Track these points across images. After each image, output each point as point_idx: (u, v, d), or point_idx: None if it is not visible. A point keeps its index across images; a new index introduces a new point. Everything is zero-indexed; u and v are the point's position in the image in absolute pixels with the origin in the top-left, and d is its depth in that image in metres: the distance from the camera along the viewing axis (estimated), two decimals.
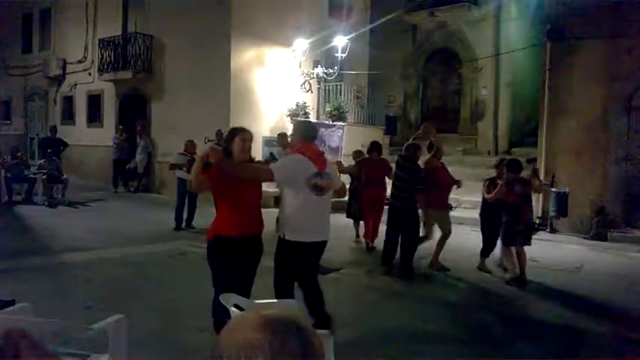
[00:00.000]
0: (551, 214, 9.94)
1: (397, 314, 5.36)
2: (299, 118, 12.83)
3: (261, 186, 4.06)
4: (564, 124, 10.24)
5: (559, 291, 6.28)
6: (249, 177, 3.87)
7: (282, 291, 4.00)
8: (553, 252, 8.31)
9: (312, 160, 3.88)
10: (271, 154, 9.52)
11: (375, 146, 8.44)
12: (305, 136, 4.09)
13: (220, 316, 3.55)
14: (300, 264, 4.02)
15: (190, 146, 9.51)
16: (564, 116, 10.25)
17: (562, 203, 9.72)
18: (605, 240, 9.41)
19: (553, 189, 9.93)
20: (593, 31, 9.76)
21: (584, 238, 9.57)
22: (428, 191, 6.76)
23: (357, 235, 8.69)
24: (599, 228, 9.60)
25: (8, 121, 18.74)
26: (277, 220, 4.48)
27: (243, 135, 3.89)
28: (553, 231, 9.96)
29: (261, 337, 0.93)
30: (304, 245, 3.93)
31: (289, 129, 12.62)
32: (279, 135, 9.93)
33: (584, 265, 7.56)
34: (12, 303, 3.06)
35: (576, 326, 5.06)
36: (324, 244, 4.09)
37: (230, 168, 3.79)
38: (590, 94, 9.96)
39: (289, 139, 4.30)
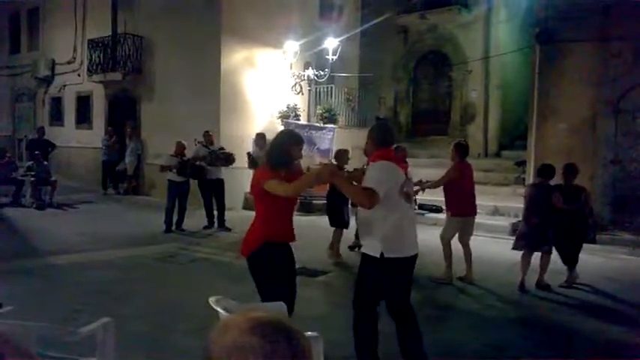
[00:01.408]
0: None
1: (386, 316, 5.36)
2: (289, 120, 12.84)
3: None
4: (553, 126, 10.32)
5: (548, 293, 6.31)
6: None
7: (369, 316, 3.66)
8: None
9: (401, 167, 3.62)
10: (248, 153, 9.51)
11: None
12: (384, 140, 3.75)
13: None
14: (398, 283, 3.62)
15: (180, 147, 9.49)
16: (553, 119, 10.33)
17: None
18: (594, 242, 9.45)
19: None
20: (582, 35, 9.85)
21: None
22: None
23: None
24: (588, 231, 9.65)
25: None
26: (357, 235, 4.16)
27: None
28: None
29: (252, 340, 0.94)
30: (405, 261, 3.57)
31: (279, 130, 12.63)
32: (257, 135, 10.03)
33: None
34: None
35: (567, 327, 5.10)
36: (416, 258, 3.71)
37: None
38: (579, 97, 10.05)
39: (364, 146, 3.98)
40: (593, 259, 8.32)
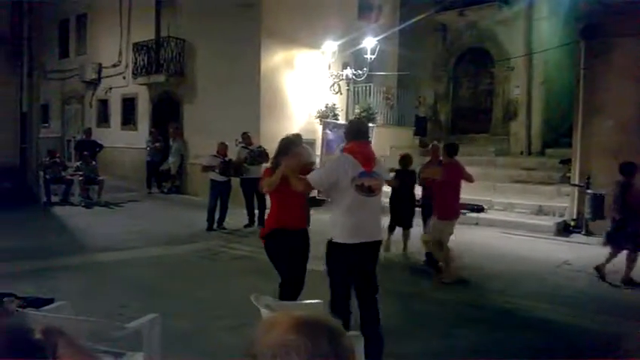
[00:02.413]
0: (587, 216, 9.70)
1: (424, 317, 5.33)
2: (328, 120, 12.87)
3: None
4: (600, 123, 9.98)
5: (593, 295, 6.13)
6: (301, 190, 4.05)
7: (338, 292, 3.94)
8: (588, 255, 8.11)
9: (361, 160, 3.81)
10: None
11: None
12: (354, 135, 4.02)
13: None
14: (350, 267, 3.92)
15: (222, 148, 9.65)
16: (600, 116, 9.99)
17: (598, 205, 9.47)
18: None
19: (589, 190, 9.69)
20: (629, 29, 9.48)
21: None
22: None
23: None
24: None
25: (46, 124, 19.28)
26: None
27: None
28: (588, 233, 9.70)
29: (295, 339, 0.95)
30: (353, 247, 3.83)
31: (318, 130, 12.70)
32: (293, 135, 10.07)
33: (621, 269, 7.33)
34: (51, 301, 3.17)
35: (613, 331, 4.94)
36: (375, 244, 3.99)
37: (291, 179, 4.01)
38: (627, 93, 9.68)
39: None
40: None
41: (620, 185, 6.61)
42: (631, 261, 6.48)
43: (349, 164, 3.79)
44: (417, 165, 8.46)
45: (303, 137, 10.24)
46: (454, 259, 6.65)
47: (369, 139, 4.38)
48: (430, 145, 8.44)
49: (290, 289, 4.34)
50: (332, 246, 3.88)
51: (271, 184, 4.14)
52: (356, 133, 4.04)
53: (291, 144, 4.37)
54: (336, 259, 3.88)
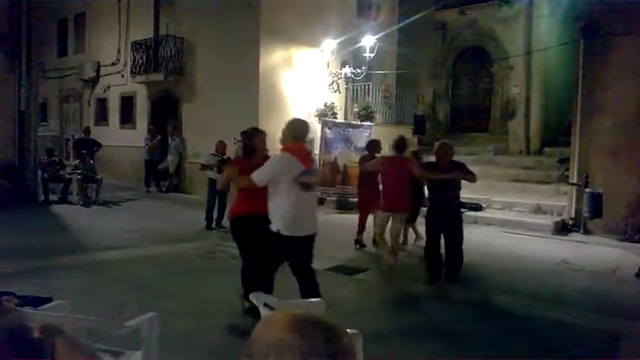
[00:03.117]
0: (585, 214, 9.71)
1: (425, 316, 5.34)
2: (327, 119, 12.87)
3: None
4: (599, 122, 9.99)
5: (592, 294, 6.14)
6: (243, 187, 4.52)
7: (263, 274, 4.40)
8: (586, 254, 8.12)
9: (301, 159, 4.13)
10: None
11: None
12: (295, 136, 4.30)
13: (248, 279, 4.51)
14: (297, 257, 4.29)
15: (221, 146, 9.64)
16: (599, 115, 9.99)
17: (596, 204, 9.48)
18: None
19: (587, 189, 9.70)
20: (630, 27, 9.49)
21: (619, 240, 9.30)
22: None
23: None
24: (635, 230, 9.34)
25: (44, 123, 19.25)
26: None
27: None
28: (587, 232, 9.72)
29: (291, 337, 0.94)
30: (301, 239, 4.19)
31: (317, 129, 12.69)
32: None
33: (619, 268, 7.35)
34: (49, 300, 3.16)
35: (611, 330, 4.94)
36: (314, 237, 4.35)
37: (237, 181, 4.56)
38: (627, 92, 9.69)
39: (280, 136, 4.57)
40: None
41: None
42: None
43: (292, 163, 4.11)
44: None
45: None
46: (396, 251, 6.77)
47: (307, 139, 4.62)
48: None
49: (257, 277, 4.50)
50: (279, 237, 4.21)
51: (222, 186, 4.96)
52: (296, 134, 4.31)
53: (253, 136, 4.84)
54: (282, 249, 4.25)
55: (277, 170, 4.17)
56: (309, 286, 4.31)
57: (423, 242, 6.88)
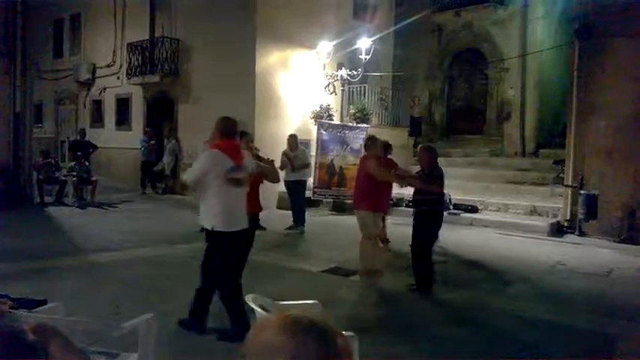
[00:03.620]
0: (580, 216, 9.75)
1: (421, 318, 5.34)
2: (323, 121, 12.88)
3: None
4: (594, 124, 10.03)
5: (587, 295, 6.16)
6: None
7: (226, 282, 4.36)
8: (582, 255, 8.15)
9: (229, 155, 4.20)
10: (285, 154, 9.69)
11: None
12: (223, 133, 4.34)
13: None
14: (232, 253, 4.36)
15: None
16: (594, 116, 10.04)
17: (591, 205, 9.52)
18: (637, 244, 9.18)
19: (582, 191, 9.74)
20: (625, 29, 9.54)
21: (614, 241, 9.34)
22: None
23: None
24: (630, 231, 9.37)
25: (40, 125, 19.19)
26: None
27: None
28: (582, 234, 9.75)
29: (281, 340, 0.94)
30: (233, 234, 4.27)
31: (313, 131, 12.69)
32: (289, 137, 10.09)
33: (613, 270, 7.38)
34: (44, 302, 3.15)
35: (607, 331, 4.96)
36: (247, 231, 4.46)
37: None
38: (621, 94, 9.74)
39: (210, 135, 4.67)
40: (636, 261, 8.08)
41: None
42: None
43: (219, 159, 4.18)
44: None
45: (299, 137, 10.34)
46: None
47: (237, 136, 4.67)
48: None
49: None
50: (215, 235, 4.27)
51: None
52: (224, 131, 4.35)
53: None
54: (220, 246, 4.31)
55: (205, 168, 4.23)
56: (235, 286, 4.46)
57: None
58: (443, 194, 6.38)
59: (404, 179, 6.77)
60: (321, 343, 0.96)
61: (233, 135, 4.43)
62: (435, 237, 6.26)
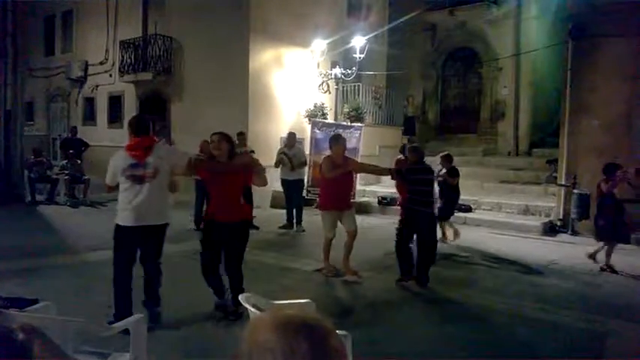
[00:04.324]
0: (573, 215, 9.79)
1: (414, 317, 5.34)
2: (317, 119, 12.86)
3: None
4: (587, 123, 10.08)
5: (580, 294, 6.18)
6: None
7: (120, 268, 4.53)
8: (574, 255, 8.18)
9: (133, 154, 4.39)
10: (284, 153, 9.65)
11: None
12: (132, 131, 4.53)
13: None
14: (131, 247, 4.50)
15: (205, 146, 9.52)
16: (587, 116, 10.08)
17: (584, 205, 9.56)
18: (628, 243, 9.21)
19: (575, 190, 9.78)
20: (617, 29, 9.58)
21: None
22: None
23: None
24: (623, 230, 9.41)
25: (31, 122, 19.06)
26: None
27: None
28: (574, 233, 9.80)
29: (272, 339, 0.94)
30: (133, 229, 4.40)
31: (307, 129, 12.68)
32: (289, 134, 10.09)
33: (606, 269, 7.41)
34: (35, 301, 3.11)
35: (599, 330, 4.98)
36: (156, 228, 4.51)
37: None
38: (614, 93, 9.79)
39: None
40: (628, 259, 8.11)
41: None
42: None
43: (120, 158, 4.43)
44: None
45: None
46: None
47: (149, 133, 4.71)
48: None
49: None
50: (116, 228, 4.48)
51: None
52: (132, 129, 4.53)
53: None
54: (119, 239, 4.48)
55: (113, 167, 4.47)
56: (153, 279, 4.66)
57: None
58: (420, 194, 6.29)
59: (364, 171, 6.85)
60: (313, 342, 0.94)
61: (142, 132, 4.49)
62: (407, 235, 6.29)
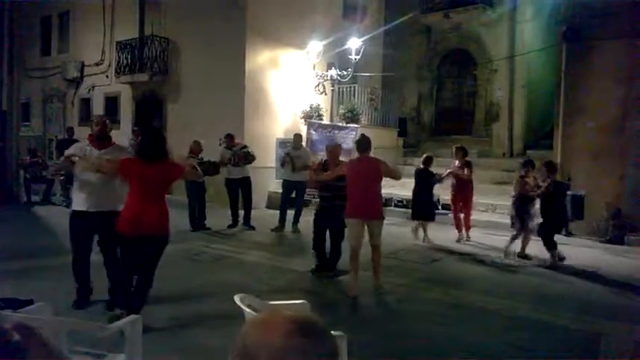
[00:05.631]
0: (567, 216, 9.83)
1: (409, 317, 5.37)
2: (312, 120, 12.89)
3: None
4: (580, 125, 10.14)
5: (574, 295, 6.23)
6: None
7: (78, 254, 5.07)
8: (568, 255, 8.22)
9: (94, 144, 4.95)
10: (287, 154, 9.67)
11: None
12: (91, 126, 5.18)
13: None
14: (83, 230, 4.93)
15: (196, 147, 9.49)
16: (580, 118, 10.15)
17: (578, 206, 9.59)
18: (622, 244, 9.30)
19: (569, 191, 9.82)
20: (611, 32, 9.66)
21: (601, 241, 9.46)
22: None
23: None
24: (616, 231, 9.49)
25: (27, 123, 19.00)
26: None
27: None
28: (568, 234, 9.84)
29: (267, 339, 0.94)
30: (82, 214, 4.82)
31: (303, 131, 12.70)
32: (294, 135, 10.08)
33: (600, 269, 7.47)
34: (30, 302, 3.13)
35: (592, 330, 5.02)
36: (106, 214, 4.72)
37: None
38: (607, 95, 9.86)
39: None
40: (622, 260, 8.18)
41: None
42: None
43: (80, 148, 5.00)
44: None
45: (289, 137, 10.33)
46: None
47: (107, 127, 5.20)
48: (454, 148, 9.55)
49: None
50: (71, 214, 4.98)
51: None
52: (92, 125, 5.18)
53: None
54: (73, 223, 4.97)
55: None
56: (114, 270, 4.94)
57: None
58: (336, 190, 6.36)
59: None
60: (329, 343, 0.97)
61: (93, 126, 5.14)
62: (319, 229, 6.67)
